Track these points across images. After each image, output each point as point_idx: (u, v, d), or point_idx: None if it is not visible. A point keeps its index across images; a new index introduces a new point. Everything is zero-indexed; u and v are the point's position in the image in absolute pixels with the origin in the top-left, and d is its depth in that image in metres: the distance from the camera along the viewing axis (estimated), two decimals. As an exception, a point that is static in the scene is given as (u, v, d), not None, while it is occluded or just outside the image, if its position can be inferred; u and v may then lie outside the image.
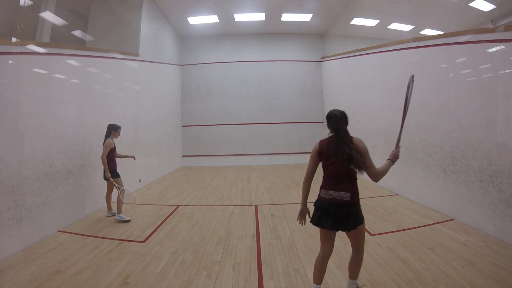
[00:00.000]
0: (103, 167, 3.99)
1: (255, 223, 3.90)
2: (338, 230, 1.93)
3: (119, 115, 5.57)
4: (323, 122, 10.15)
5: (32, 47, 3.54)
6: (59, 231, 3.67)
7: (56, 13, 4.34)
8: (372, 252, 2.90)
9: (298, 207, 2.13)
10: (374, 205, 4.55)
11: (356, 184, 1.94)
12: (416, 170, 4.64)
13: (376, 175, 1.88)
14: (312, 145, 2.07)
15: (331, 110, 2.04)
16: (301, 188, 2.10)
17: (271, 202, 4.96)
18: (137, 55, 6.49)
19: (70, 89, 4.22)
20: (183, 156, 10.15)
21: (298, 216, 2.10)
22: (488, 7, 4.03)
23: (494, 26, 3.76)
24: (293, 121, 10.23)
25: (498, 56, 3.21)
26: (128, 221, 4.01)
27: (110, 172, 4.00)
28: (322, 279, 2.02)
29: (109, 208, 4.30)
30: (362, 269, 2.55)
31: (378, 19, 7.06)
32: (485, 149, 3.29)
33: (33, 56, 3.55)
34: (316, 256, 2.03)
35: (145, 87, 7.00)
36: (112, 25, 6.13)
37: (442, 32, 4.41)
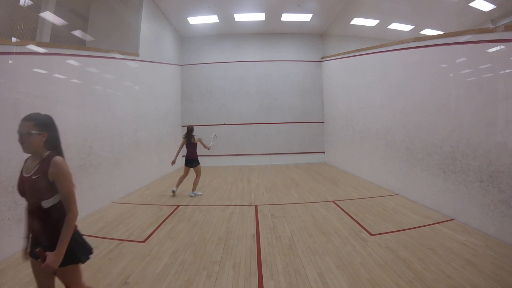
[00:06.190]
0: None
1: (255, 223, 3.90)
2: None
3: (119, 115, 5.57)
4: (323, 122, 10.17)
5: (32, 47, 3.54)
6: (59, 231, 3.67)
7: (56, 13, 4.34)
8: (372, 252, 2.90)
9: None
10: (374, 205, 4.55)
11: None
12: (416, 170, 4.64)
13: None
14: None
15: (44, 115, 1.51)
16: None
17: (271, 202, 4.95)
18: (137, 55, 6.49)
19: (70, 89, 4.22)
20: (183, 156, 10.10)
21: None
22: (488, 7, 4.03)
23: (494, 26, 3.76)
24: (293, 121, 10.21)
25: (498, 56, 3.21)
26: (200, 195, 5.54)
27: None
28: None
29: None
30: (362, 269, 2.56)
31: (378, 19, 7.06)
32: (485, 149, 3.29)
33: (33, 56, 3.55)
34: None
35: (145, 87, 6.99)
36: (112, 25, 6.12)
37: (442, 32, 4.41)
